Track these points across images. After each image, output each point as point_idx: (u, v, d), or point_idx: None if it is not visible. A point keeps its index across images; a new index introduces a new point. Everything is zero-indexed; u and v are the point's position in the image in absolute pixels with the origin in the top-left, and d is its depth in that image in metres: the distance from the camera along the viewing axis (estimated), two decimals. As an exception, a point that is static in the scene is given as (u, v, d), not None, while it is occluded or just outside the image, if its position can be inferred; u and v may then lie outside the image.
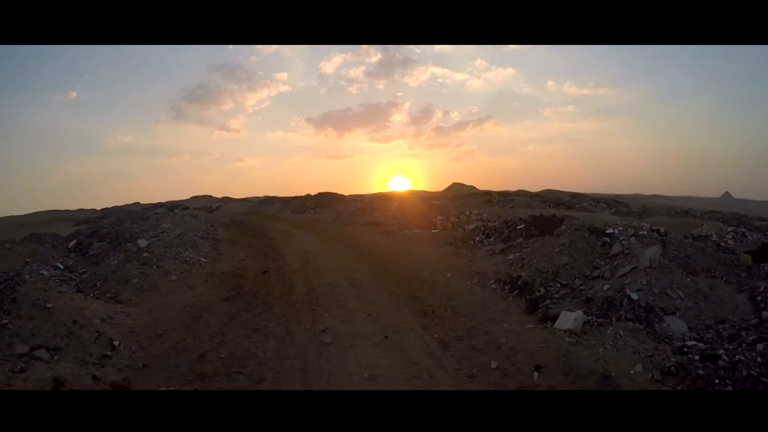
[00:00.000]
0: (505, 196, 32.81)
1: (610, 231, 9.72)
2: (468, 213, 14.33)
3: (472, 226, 13.06)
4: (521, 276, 7.61)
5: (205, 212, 26.26)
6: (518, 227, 12.54)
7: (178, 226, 14.70)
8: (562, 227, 9.01)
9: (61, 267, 11.29)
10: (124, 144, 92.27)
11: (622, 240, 8.70)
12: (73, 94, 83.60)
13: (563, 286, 7.55)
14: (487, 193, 34.48)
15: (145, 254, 10.33)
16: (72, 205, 59.15)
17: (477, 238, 12.30)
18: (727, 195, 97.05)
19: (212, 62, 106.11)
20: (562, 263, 7.86)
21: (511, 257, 9.37)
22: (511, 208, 25.13)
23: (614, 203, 32.41)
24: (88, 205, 59.51)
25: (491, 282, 7.63)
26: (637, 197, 63.37)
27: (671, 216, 22.63)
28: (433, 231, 12.78)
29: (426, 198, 25.59)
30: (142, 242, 11.79)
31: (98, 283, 8.97)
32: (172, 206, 40.07)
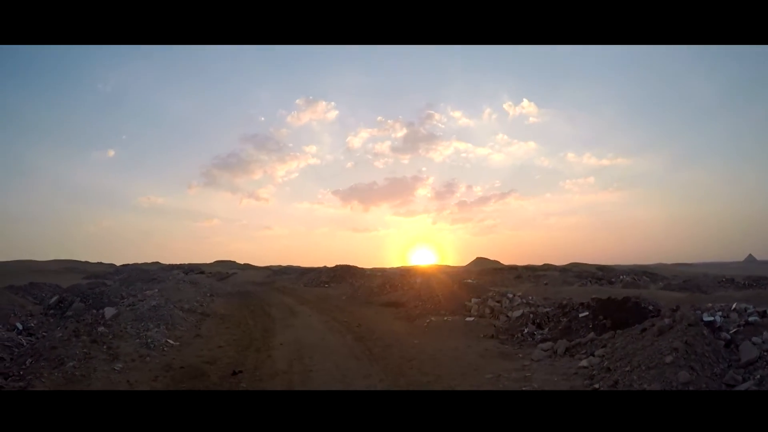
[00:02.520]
0: (532, 270, 30.46)
1: (708, 319, 6.80)
2: (511, 295, 11.55)
3: (518, 312, 10.29)
4: (619, 404, 4.82)
5: (213, 279, 24.27)
6: (581, 315, 9.72)
7: (166, 294, 12.59)
8: (665, 321, 6.23)
9: (20, 327, 9.33)
10: (157, 205, 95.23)
11: (750, 336, 5.82)
12: (111, 153, 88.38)
13: (686, 422, 4.73)
14: (514, 268, 32.21)
15: (101, 328, 8.09)
16: (95, 258, 59.18)
17: (526, 330, 9.49)
18: (750, 258, 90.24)
19: (245, 132, 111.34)
20: (680, 382, 5.06)
21: (584, 364, 6.56)
22: (546, 284, 22.12)
23: (651, 276, 28.92)
24: (110, 260, 59.42)
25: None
26: (662, 267, 58.57)
27: (729, 287, 19.86)
28: (467, 319, 10.07)
29: (452, 274, 22.82)
30: (109, 311, 9.67)
31: (28, 361, 6.77)
32: (188, 269, 38.74)
